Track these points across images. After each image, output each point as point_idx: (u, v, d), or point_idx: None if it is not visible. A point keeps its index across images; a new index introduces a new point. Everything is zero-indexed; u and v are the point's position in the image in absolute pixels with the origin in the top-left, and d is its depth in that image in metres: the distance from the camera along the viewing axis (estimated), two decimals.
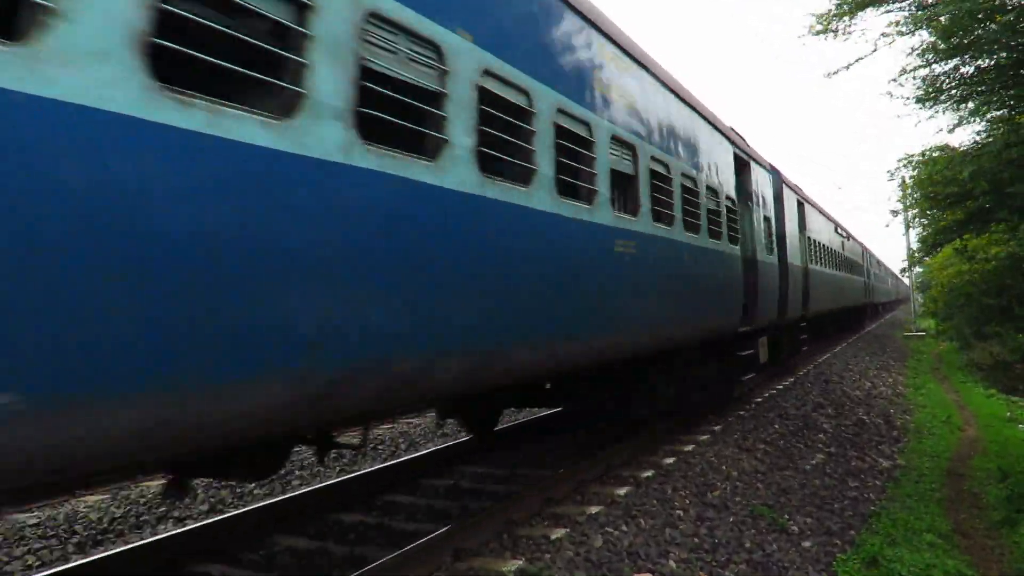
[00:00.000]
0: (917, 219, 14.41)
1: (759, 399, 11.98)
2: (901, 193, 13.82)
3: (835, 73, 11.34)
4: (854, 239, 28.45)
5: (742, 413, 10.58)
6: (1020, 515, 7.70)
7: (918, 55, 9.72)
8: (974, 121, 10.46)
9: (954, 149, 10.40)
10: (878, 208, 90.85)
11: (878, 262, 45.69)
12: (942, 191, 9.97)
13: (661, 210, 6.73)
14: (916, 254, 14.13)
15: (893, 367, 21.26)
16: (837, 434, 10.80)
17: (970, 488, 9.23)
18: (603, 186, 5.43)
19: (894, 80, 10.23)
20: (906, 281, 67.70)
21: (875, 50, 9.90)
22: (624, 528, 5.38)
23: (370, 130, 3.10)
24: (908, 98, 10.76)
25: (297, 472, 7.78)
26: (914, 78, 10.17)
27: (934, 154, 10.69)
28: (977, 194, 8.51)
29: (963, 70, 9.52)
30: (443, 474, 7.26)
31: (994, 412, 15.19)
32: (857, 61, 10.75)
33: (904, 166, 11.62)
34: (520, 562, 4.57)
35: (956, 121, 10.81)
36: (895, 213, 16.06)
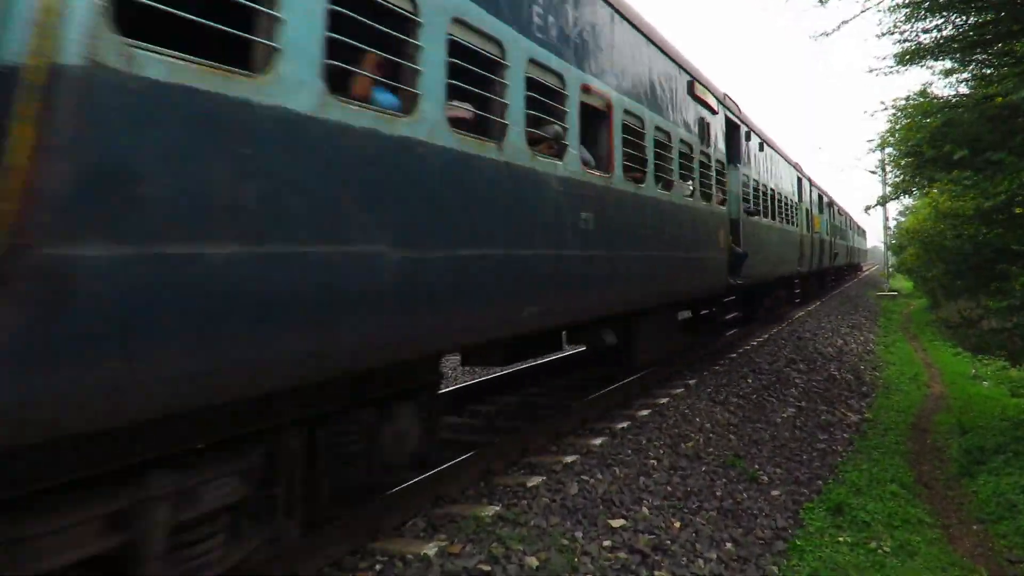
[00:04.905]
0: (892, 167, 14.25)
1: (733, 355, 12.18)
2: (880, 144, 13.77)
3: (823, 35, 11.19)
4: (776, 150, 15.96)
5: (716, 368, 10.76)
6: (978, 467, 7.98)
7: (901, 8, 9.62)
8: (959, 74, 10.42)
9: (935, 97, 10.33)
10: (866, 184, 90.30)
11: (837, 209, 30.93)
12: (915, 137, 9.94)
13: None
14: (890, 195, 14.05)
15: (864, 325, 21.68)
16: (808, 389, 11.04)
17: (933, 442, 9.52)
18: None
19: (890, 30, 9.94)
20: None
21: (864, 11, 9.73)
22: (599, 476, 5.50)
23: None
24: (888, 59, 10.70)
25: None
26: (893, 33, 10.08)
27: (914, 102, 10.62)
28: (956, 161, 8.52)
29: (945, 31, 9.47)
30: None
31: (960, 370, 15.58)
32: (843, 25, 10.57)
33: (884, 110, 11.48)
34: (497, 508, 4.66)
35: (938, 77, 10.77)
36: (873, 171, 16.06)
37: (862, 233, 53.82)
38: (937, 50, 9.69)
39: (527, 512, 4.65)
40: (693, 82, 9.23)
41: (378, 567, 3.85)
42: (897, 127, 11.20)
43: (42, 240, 2.12)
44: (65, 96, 2.17)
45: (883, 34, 9.87)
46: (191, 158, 2.56)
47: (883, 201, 14.31)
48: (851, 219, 41.54)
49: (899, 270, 38.44)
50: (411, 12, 3.77)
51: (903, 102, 10.16)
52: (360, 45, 3.48)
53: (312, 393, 3.61)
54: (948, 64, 10.07)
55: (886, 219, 40.55)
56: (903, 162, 12.02)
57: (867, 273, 52.36)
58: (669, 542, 4.70)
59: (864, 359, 15.58)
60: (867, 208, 18.82)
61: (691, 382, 9.44)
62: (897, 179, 13.44)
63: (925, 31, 9.39)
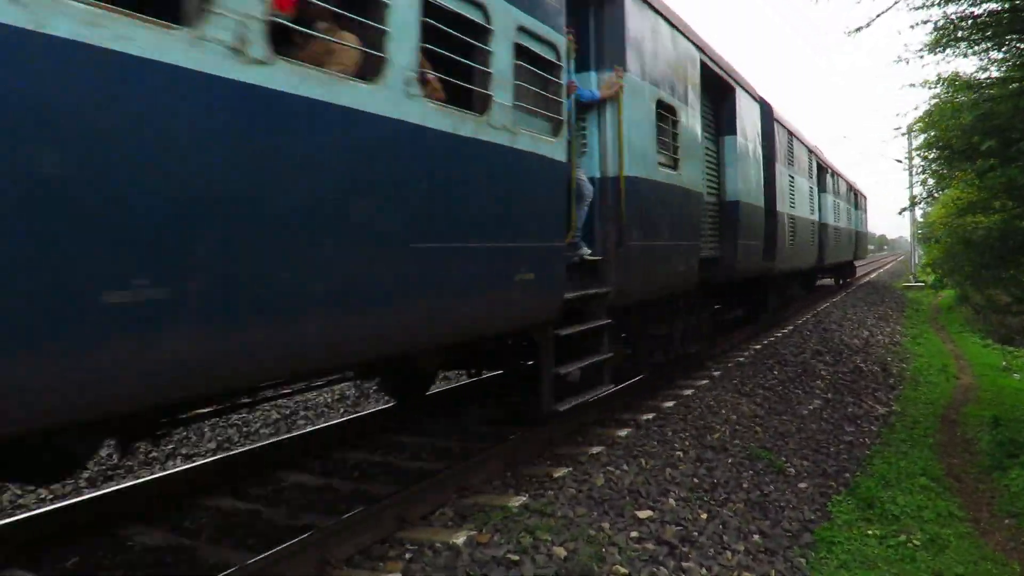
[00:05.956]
0: (920, 162, 14.04)
1: (758, 346, 12.07)
2: (907, 137, 13.63)
3: (856, 31, 10.95)
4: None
5: (741, 359, 10.67)
6: (1010, 460, 7.84)
7: None
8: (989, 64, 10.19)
9: (965, 79, 10.12)
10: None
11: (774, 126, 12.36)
12: (945, 136, 9.76)
13: None
14: (917, 197, 13.89)
15: (891, 317, 21.38)
16: (835, 381, 10.92)
17: (963, 434, 9.38)
18: None
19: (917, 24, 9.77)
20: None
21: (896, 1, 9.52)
22: (625, 467, 5.48)
23: None
24: (919, 49, 10.52)
25: (302, 412, 7.90)
26: (926, 22, 9.88)
27: (943, 92, 10.41)
28: (983, 151, 8.35)
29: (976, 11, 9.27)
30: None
31: (989, 362, 15.32)
32: (878, 17, 10.33)
33: (915, 110, 11.34)
34: (524, 498, 4.67)
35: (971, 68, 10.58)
36: (899, 160, 15.83)
37: (857, 202, 29.47)
38: (971, 35, 9.49)
39: (554, 503, 4.65)
40: None
41: (407, 555, 3.88)
42: (930, 125, 11.04)
43: None
44: None
45: (916, 23, 9.69)
46: None
47: (913, 202, 14.16)
48: (839, 175, 23.27)
49: (930, 266, 36.66)
50: None
51: (936, 88, 9.98)
52: None
53: None
54: (984, 46, 9.85)
55: (914, 221, 39.77)
56: (932, 159, 11.86)
57: (892, 265, 44.22)
58: (696, 533, 4.69)
59: (891, 350, 15.37)
60: (901, 211, 18.53)
61: (716, 373, 9.38)
62: (927, 173, 13.27)
63: (961, 19, 9.20)
